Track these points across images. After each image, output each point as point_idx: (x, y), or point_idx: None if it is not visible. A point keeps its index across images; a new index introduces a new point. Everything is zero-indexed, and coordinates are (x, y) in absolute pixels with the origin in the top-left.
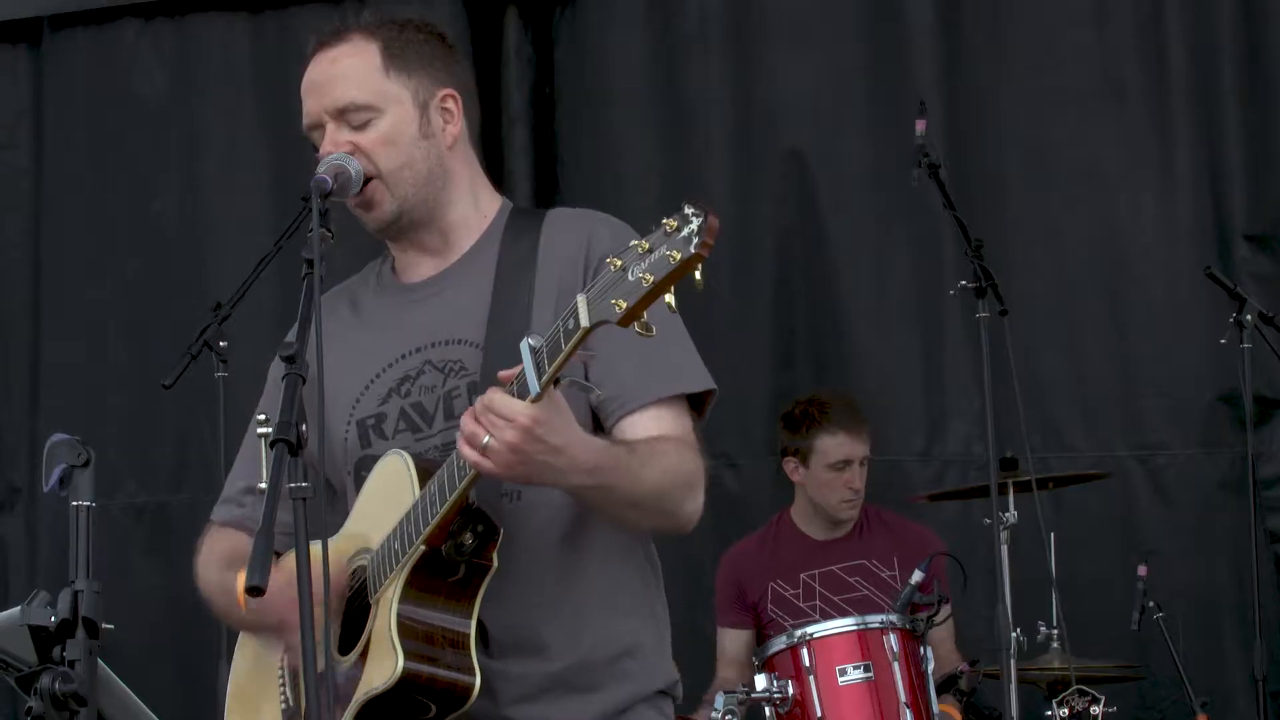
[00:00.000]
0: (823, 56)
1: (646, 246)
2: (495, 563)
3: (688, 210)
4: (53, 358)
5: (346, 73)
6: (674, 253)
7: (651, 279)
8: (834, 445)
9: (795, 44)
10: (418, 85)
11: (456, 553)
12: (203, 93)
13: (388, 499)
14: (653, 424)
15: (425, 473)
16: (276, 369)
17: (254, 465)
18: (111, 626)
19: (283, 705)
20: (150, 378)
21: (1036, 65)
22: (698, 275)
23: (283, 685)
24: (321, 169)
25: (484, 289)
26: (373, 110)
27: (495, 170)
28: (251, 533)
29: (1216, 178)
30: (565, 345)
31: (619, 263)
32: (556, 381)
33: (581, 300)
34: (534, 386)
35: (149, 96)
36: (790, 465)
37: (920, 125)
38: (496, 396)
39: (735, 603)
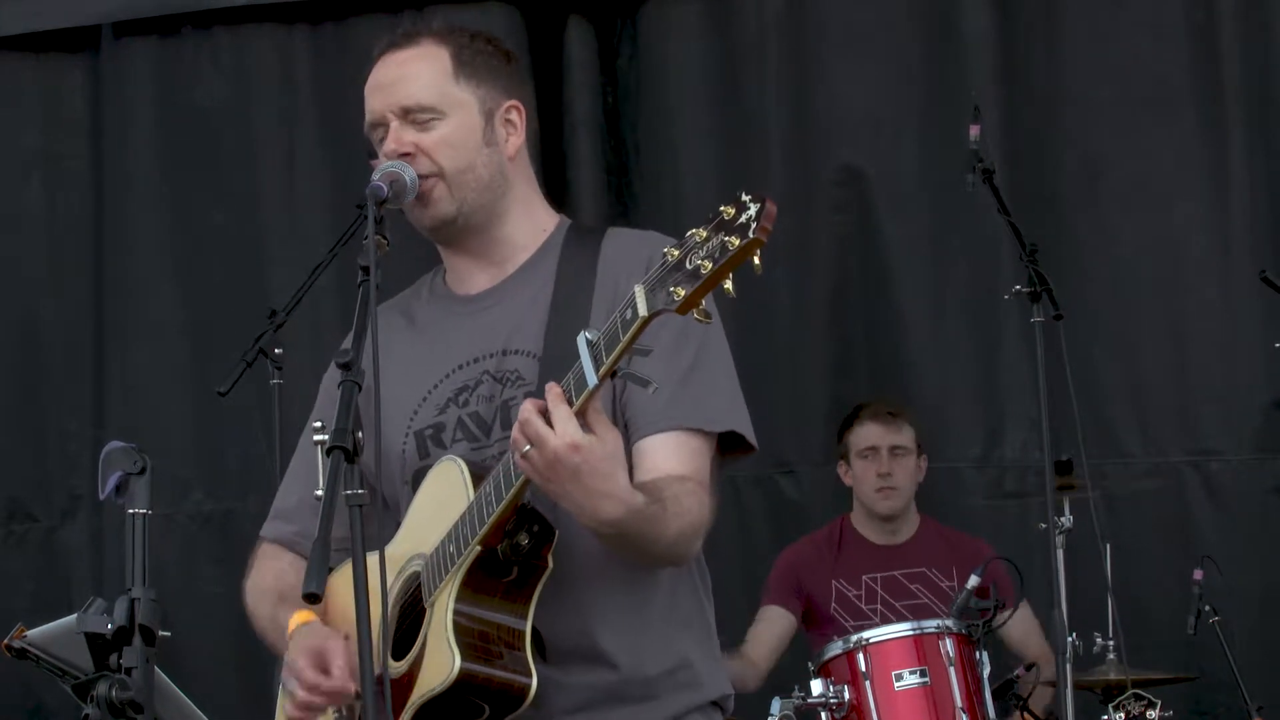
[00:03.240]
0: (879, 65)
1: (704, 235)
2: (551, 564)
3: (744, 197)
4: (116, 365)
5: (416, 74)
6: (733, 239)
7: (710, 265)
8: (861, 434)
9: (852, 53)
10: (485, 94)
11: (513, 553)
12: (262, 102)
13: (442, 504)
14: (670, 453)
15: (479, 478)
16: (331, 379)
17: (306, 478)
18: (168, 634)
19: (338, 715)
20: (216, 385)
21: (1090, 71)
22: (756, 260)
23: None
24: (377, 176)
25: (542, 300)
26: (436, 112)
27: (557, 179)
28: (301, 552)
29: (1271, 182)
30: (623, 336)
31: (675, 253)
32: (614, 375)
33: (639, 290)
34: (591, 378)
35: (208, 106)
36: (841, 469)
37: (974, 130)
38: (532, 420)
39: (790, 588)
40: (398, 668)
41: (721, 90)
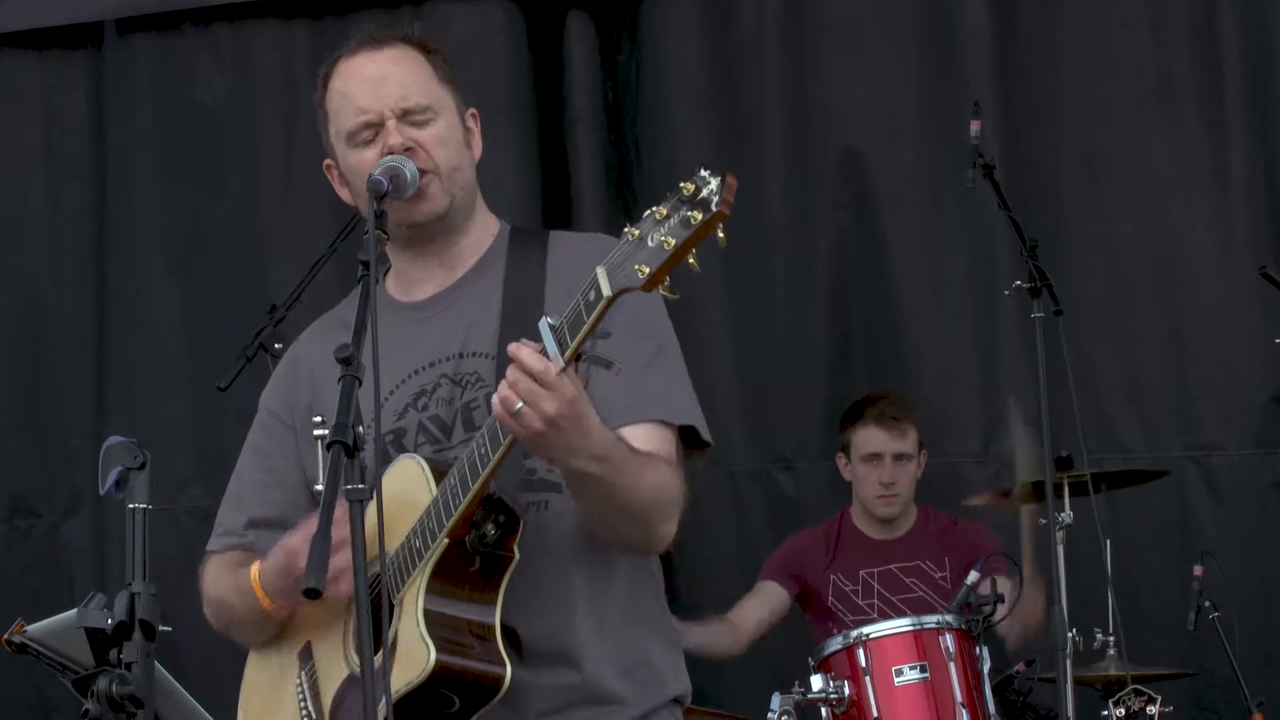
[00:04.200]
0: (878, 60)
1: (664, 212)
2: (517, 555)
3: (704, 173)
4: (117, 361)
5: (411, 75)
6: (695, 213)
7: (674, 242)
8: (865, 438)
9: (851, 48)
10: (457, 99)
11: (480, 544)
12: (262, 97)
13: (403, 502)
14: (641, 440)
15: (441, 475)
16: (268, 395)
17: (255, 495)
18: (169, 629)
19: (304, 717)
20: (216, 380)
21: (1090, 67)
22: (720, 234)
23: (302, 700)
24: (377, 170)
25: (493, 302)
26: (432, 111)
27: (558, 176)
28: (259, 556)
29: (1271, 179)
30: (587, 317)
31: (637, 232)
32: (578, 359)
33: (601, 271)
34: (557, 362)
35: (209, 101)
36: (841, 462)
37: (975, 126)
38: (547, 367)
39: (787, 570)
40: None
41: (721, 86)
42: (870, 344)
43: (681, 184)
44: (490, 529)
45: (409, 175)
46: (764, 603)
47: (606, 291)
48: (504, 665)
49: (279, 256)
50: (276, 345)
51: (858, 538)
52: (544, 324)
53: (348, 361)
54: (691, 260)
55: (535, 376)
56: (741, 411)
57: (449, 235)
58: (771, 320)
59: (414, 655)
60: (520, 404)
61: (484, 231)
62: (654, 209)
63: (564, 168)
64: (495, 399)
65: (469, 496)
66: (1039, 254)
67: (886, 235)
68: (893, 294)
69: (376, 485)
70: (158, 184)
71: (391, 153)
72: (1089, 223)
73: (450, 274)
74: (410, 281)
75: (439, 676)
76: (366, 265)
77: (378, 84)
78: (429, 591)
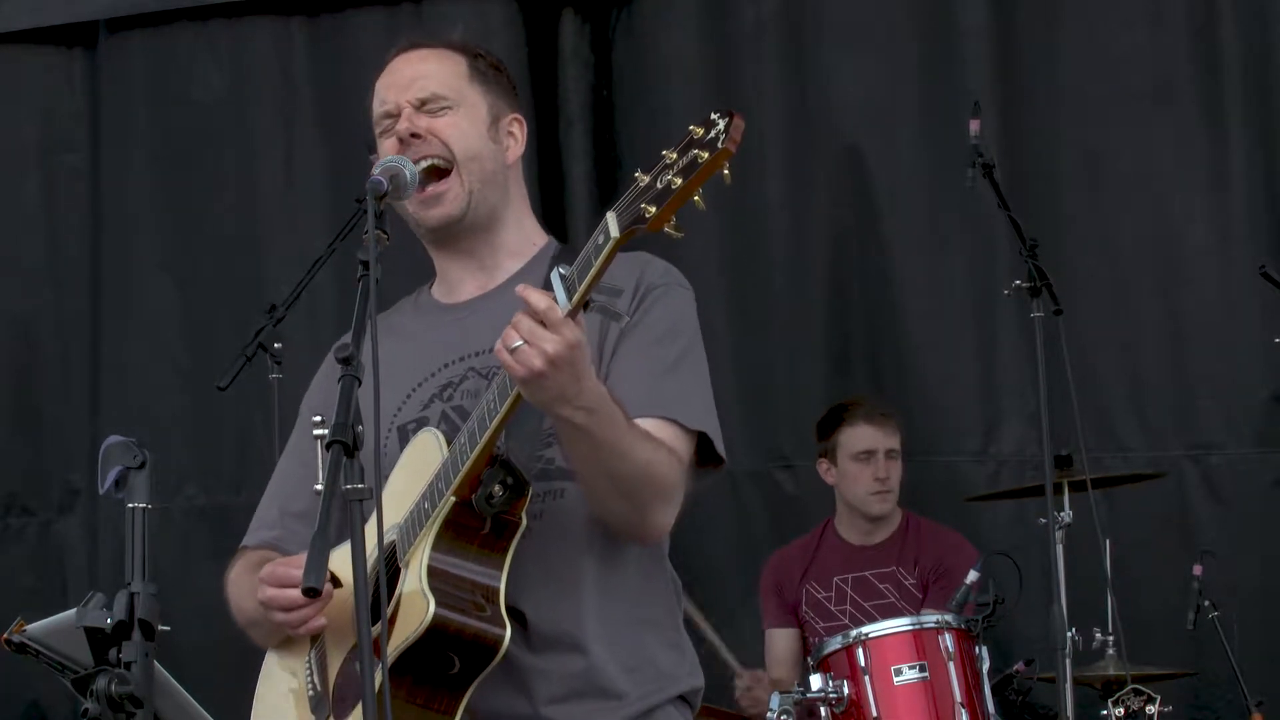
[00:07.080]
0: (877, 57)
1: (674, 156)
2: (524, 521)
3: (713, 115)
4: (113, 359)
5: (433, 71)
6: (702, 153)
7: (680, 181)
8: (856, 436)
9: (850, 45)
10: (493, 100)
11: (487, 503)
12: (259, 95)
13: (417, 470)
14: (653, 431)
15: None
16: (312, 392)
17: (289, 489)
18: (167, 629)
19: (310, 693)
20: (212, 379)
21: (1089, 66)
22: (725, 171)
23: (309, 673)
24: (377, 170)
25: None
26: (450, 102)
27: (553, 174)
28: (284, 550)
29: (1271, 179)
30: (596, 260)
31: (646, 177)
32: (586, 306)
33: (610, 216)
34: (564, 305)
35: (205, 99)
36: (823, 468)
37: (974, 125)
38: (551, 306)
39: (777, 604)
40: (375, 629)
41: (718, 85)
42: (869, 343)
43: (691, 127)
44: (497, 489)
45: (409, 175)
46: (785, 650)
47: (614, 233)
48: (504, 627)
49: (275, 254)
50: (276, 345)
51: (838, 546)
52: (555, 274)
53: (348, 361)
54: (698, 199)
55: (539, 316)
56: (741, 411)
57: (480, 234)
58: (771, 318)
59: (414, 609)
60: (520, 341)
61: (525, 239)
62: (665, 153)
63: (559, 167)
64: (499, 341)
65: (476, 451)
66: (1039, 254)
67: (886, 235)
68: (893, 294)
69: (377, 486)
70: (154, 182)
71: (398, 137)
72: (1089, 223)
73: (490, 278)
74: (451, 284)
75: (438, 630)
76: (366, 265)
77: (401, 80)
78: (434, 549)
